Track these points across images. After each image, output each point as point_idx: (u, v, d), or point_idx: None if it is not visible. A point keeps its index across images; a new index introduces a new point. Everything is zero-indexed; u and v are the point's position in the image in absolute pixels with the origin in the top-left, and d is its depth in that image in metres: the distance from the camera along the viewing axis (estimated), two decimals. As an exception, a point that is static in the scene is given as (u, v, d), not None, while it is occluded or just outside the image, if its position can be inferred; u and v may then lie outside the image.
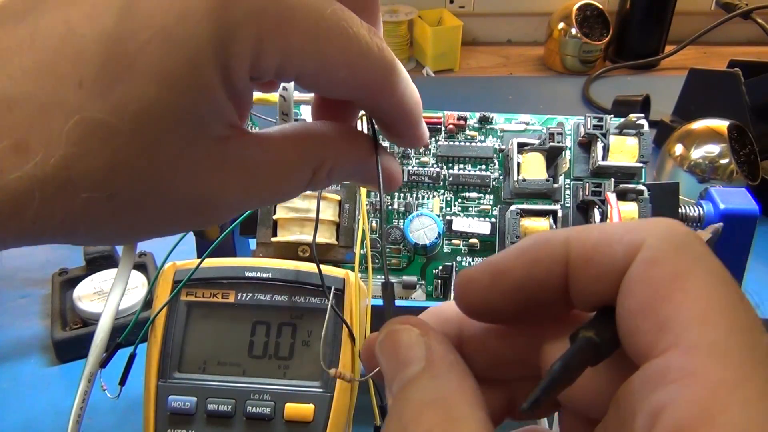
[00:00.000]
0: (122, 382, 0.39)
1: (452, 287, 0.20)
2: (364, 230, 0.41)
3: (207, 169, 0.17)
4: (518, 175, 0.44)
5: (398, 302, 0.46)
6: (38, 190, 0.15)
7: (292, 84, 0.42)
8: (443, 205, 0.46)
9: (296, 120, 0.45)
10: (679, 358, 0.14)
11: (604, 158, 0.44)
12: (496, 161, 0.46)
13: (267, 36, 0.16)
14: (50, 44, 0.15)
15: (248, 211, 0.43)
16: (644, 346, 0.15)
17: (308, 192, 0.43)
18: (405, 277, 0.45)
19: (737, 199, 0.44)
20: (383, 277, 0.46)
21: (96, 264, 0.61)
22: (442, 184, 0.46)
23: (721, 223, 0.43)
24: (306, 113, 0.46)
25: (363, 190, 0.44)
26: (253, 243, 0.45)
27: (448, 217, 0.45)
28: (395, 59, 0.20)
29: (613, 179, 0.44)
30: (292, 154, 0.19)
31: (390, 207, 0.46)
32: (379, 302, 0.45)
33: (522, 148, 0.45)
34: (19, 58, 0.15)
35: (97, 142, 0.15)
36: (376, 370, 0.19)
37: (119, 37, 0.15)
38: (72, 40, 0.15)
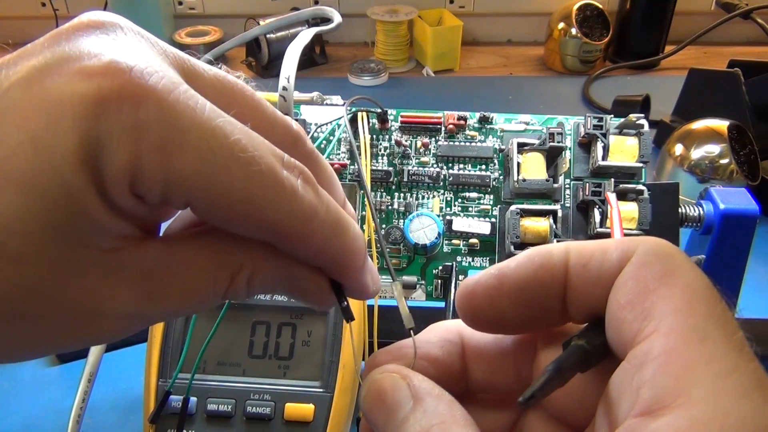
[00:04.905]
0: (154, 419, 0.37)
1: (455, 295, 0.20)
2: (366, 230, 0.41)
3: (94, 279, 0.16)
4: (518, 175, 0.44)
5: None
6: None
7: (292, 84, 0.42)
8: (443, 205, 0.46)
9: (297, 119, 0.45)
10: (660, 339, 0.15)
11: (604, 158, 0.44)
12: (496, 161, 0.46)
13: (147, 153, 0.15)
14: None
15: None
16: (630, 335, 0.16)
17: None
18: (405, 277, 0.45)
19: (737, 199, 0.44)
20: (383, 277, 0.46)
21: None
22: (442, 184, 0.46)
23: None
24: (306, 113, 0.46)
25: (368, 188, 0.44)
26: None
27: (448, 217, 0.45)
28: (319, 203, 0.18)
29: (613, 179, 0.44)
30: (204, 259, 0.18)
31: (390, 207, 0.46)
32: (385, 303, 0.45)
33: (522, 148, 0.45)
34: None
35: None
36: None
37: None
38: None
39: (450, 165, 0.46)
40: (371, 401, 0.19)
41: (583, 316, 0.19)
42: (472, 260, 0.45)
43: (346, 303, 0.21)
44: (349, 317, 0.21)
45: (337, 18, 0.50)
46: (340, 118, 0.46)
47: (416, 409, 0.18)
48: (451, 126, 0.46)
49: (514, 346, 0.21)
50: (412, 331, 0.22)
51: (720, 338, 0.15)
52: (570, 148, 0.45)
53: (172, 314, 0.18)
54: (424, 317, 0.48)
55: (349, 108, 0.45)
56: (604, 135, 0.44)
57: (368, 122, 0.46)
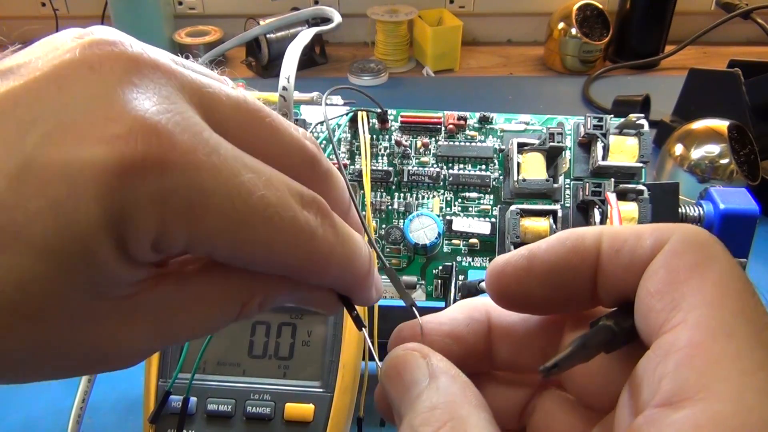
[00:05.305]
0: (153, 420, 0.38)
1: (485, 275, 0.21)
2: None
3: (111, 325, 0.17)
4: (518, 175, 0.44)
5: (397, 302, 0.46)
6: None
7: (292, 84, 0.42)
8: (443, 205, 0.46)
9: (296, 120, 0.45)
10: (686, 332, 0.15)
11: (604, 158, 0.44)
12: (496, 161, 0.46)
13: (172, 220, 0.15)
14: None
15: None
16: (657, 324, 0.16)
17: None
18: (405, 277, 0.45)
19: (737, 199, 0.44)
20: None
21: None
22: (442, 184, 0.46)
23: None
24: (306, 113, 0.46)
25: (367, 189, 0.44)
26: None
27: (448, 217, 0.45)
28: (335, 239, 0.19)
29: (613, 179, 0.44)
30: (216, 293, 0.18)
31: (390, 207, 0.46)
32: (385, 303, 0.45)
33: (522, 148, 0.45)
34: None
35: None
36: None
37: (8, 204, 0.14)
38: None
39: (450, 165, 0.46)
40: (390, 376, 0.20)
41: (613, 300, 0.18)
42: (472, 260, 0.45)
43: (356, 312, 0.22)
44: (360, 325, 0.22)
45: (337, 18, 0.50)
46: (340, 117, 0.46)
47: (431, 387, 0.18)
48: (451, 126, 0.46)
49: (541, 326, 0.21)
50: (415, 309, 0.22)
51: (748, 335, 0.15)
52: (570, 148, 0.45)
53: (180, 342, 0.19)
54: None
55: (335, 93, 0.45)
56: (604, 135, 0.44)
57: (368, 122, 0.46)
